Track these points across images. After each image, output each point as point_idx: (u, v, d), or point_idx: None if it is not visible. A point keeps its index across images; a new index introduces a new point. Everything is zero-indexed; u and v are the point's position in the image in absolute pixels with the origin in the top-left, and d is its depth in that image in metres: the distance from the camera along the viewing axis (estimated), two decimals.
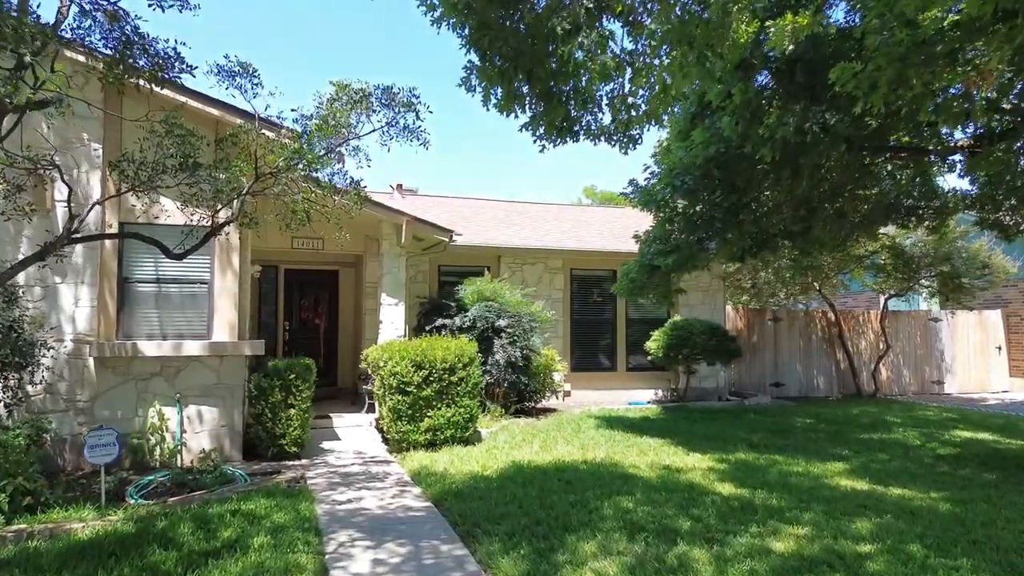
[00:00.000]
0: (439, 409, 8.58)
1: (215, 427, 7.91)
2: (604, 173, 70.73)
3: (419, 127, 6.01)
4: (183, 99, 7.59)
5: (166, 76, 4.75)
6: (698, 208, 9.21)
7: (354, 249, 12.38)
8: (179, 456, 7.67)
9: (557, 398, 12.49)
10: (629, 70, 4.89)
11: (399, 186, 16.48)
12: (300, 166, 6.18)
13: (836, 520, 5.74)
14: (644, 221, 16.13)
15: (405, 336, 10.80)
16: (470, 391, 8.80)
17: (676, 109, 11.01)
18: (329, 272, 13.76)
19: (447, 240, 10.93)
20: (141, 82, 4.99)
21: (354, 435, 9.74)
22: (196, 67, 4.78)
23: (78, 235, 5.81)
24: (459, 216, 14.76)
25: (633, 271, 9.87)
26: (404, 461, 7.99)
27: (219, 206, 6.45)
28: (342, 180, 6.82)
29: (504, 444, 8.74)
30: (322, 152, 6.25)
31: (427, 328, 10.88)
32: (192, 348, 7.74)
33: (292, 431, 7.95)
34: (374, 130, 6.16)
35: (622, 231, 15.69)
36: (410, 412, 8.46)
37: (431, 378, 8.53)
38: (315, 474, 7.38)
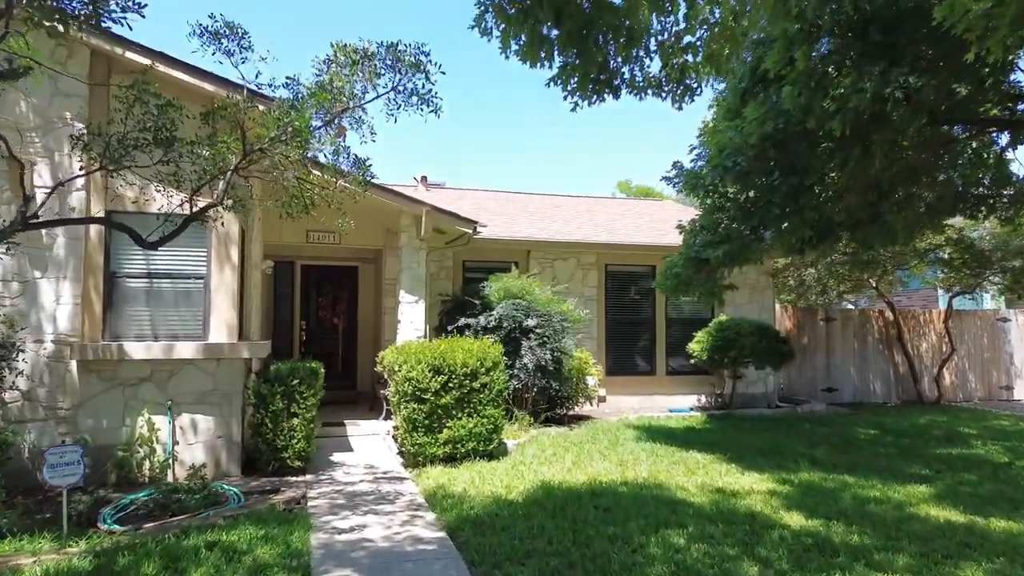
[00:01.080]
0: (459, 419, 7.68)
1: (211, 438, 7.12)
2: (639, 167, 69.32)
3: (430, 91, 5.09)
4: (168, 70, 6.82)
5: (108, 16, 3.88)
6: (752, 193, 8.14)
7: (373, 243, 11.58)
8: (170, 470, 6.89)
9: (591, 404, 11.50)
10: (683, 2, 3.90)
11: (423, 178, 15.65)
12: (294, 141, 5.30)
13: (938, 566, 4.67)
14: (686, 214, 15.05)
15: (425, 336, 9.93)
16: (494, 399, 7.87)
17: (722, 85, 10.02)
18: (348, 268, 12.98)
19: (470, 232, 10.03)
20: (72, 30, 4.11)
21: (368, 446, 8.89)
22: (145, 5, 3.90)
23: (35, 220, 5.02)
24: (486, 209, 13.86)
25: (677, 265, 8.83)
26: (419, 478, 7.09)
27: (203, 188, 5.60)
28: (346, 161, 5.93)
29: (532, 459, 7.79)
30: (319, 124, 5.37)
31: (449, 328, 9.99)
32: (185, 350, 6.96)
33: (295, 443, 7.12)
34: (378, 96, 5.25)
35: (660, 224, 14.63)
36: (427, 422, 7.56)
37: (450, 384, 7.62)
38: (318, 493, 6.52)
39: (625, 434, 9.50)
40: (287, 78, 5.09)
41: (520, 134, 70.61)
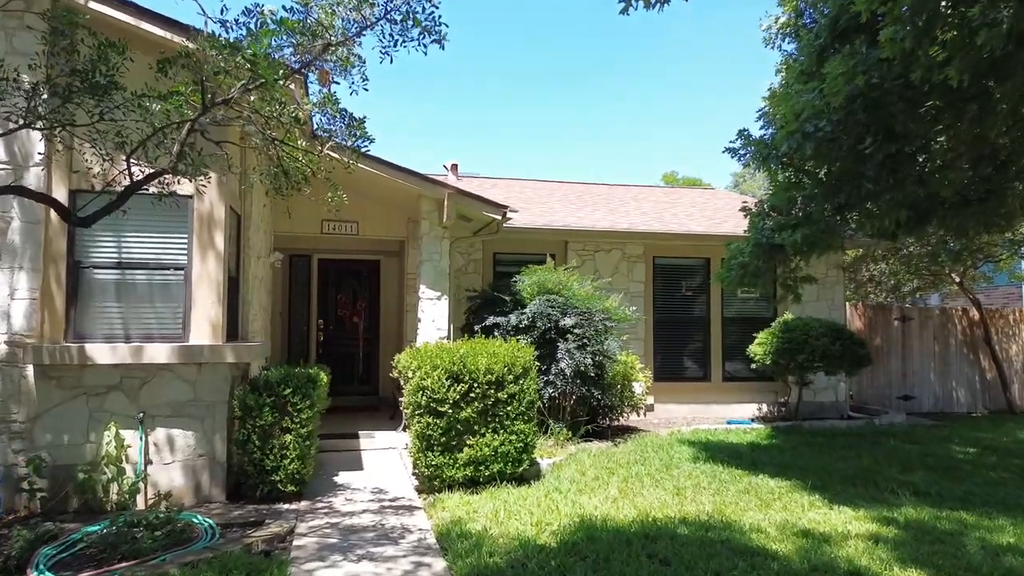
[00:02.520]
0: (483, 435, 6.46)
1: (190, 457, 6.05)
2: (686, 159, 67.15)
3: (432, 13, 3.87)
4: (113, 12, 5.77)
5: None
6: (836, 165, 6.72)
7: (396, 234, 10.47)
8: (141, 495, 5.84)
9: (637, 415, 10.15)
10: None
11: (453, 166, 14.49)
12: (256, 85, 4.15)
13: None
14: (739, 203, 13.49)
15: (449, 337, 8.74)
16: (524, 411, 6.63)
17: (792, 46, 8.60)
18: (368, 262, 11.89)
19: (499, 218, 8.80)
20: None
21: (381, 463, 7.74)
22: None
23: None
24: (520, 198, 12.62)
25: (744, 253, 7.42)
26: (433, 508, 5.90)
27: (161, 153, 4.50)
28: (337, 120, 4.75)
29: (570, 484, 6.52)
30: (292, 65, 4.20)
31: (477, 328, 8.78)
32: (158, 353, 5.89)
33: (288, 464, 5.99)
34: (366, 26, 4.05)
35: (714, 214, 13.18)
36: (444, 439, 6.36)
37: (472, 394, 6.41)
38: (309, 527, 5.37)
39: (679, 452, 8.14)
40: (246, 8, 3.92)
41: (555, 131, 69.24)
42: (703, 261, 11.82)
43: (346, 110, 4.58)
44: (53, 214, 5.91)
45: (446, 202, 8.37)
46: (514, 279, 9.49)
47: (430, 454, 6.35)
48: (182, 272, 6.23)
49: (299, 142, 5.06)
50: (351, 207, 10.55)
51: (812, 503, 6.04)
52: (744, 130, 7.30)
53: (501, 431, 6.51)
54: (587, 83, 69.43)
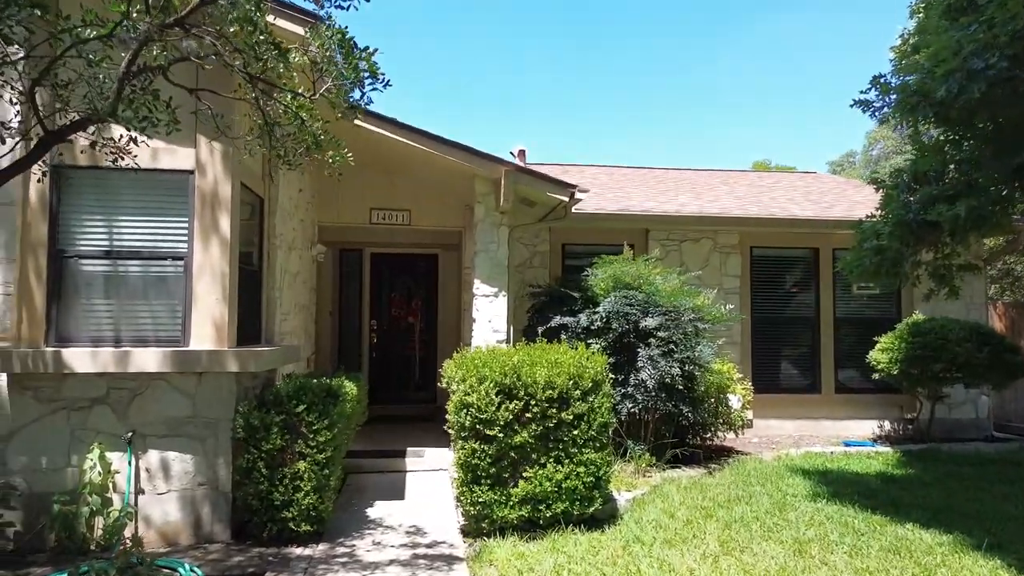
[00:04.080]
0: (542, 466, 5.13)
1: (189, 486, 5.00)
2: (778, 146, 63.41)
3: None
4: None
5: None
6: (1014, 113, 5.00)
7: (452, 224, 9.30)
8: (132, 530, 4.85)
9: (734, 433, 8.53)
10: None
11: (521, 152, 13.21)
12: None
13: None
14: (852, 188, 11.45)
15: (508, 340, 7.46)
16: (595, 437, 5.24)
17: None
18: (425, 256, 10.76)
19: (566, 200, 7.43)
20: None
21: (427, 490, 6.54)
22: None
23: None
24: (595, 183, 11.19)
25: (882, 233, 5.73)
26: (478, 562, 4.61)
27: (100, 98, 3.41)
28: (334, 48, 3.54)
29: (655, 531, 5.09)
30: None
31: (539, 330, 7.45)
32: (146, 361, 4.87)
33: (302, 498, 4.84)
34: None
35: (820, 197, 11.33)
36: (494, 471, 5.07)
37: (528, 414, 5.08)
38: None
39: (792, 485, 6.54)
40: None
41: (640, 116, 66.89)
42: (810, 252, 10.05)
43: (345, 33, 3.33)
44: (33, 193, 5.00)
45: (503, 182, 7.08)
46: (584, 273, 8.10)
47: (477, 489, 5.06)
48: (181, 263, 5.20)
49: (294, 81, 3.87)
50: (402, 194, 9.53)
51: (996, 574, 4.37)
52: (880, 76, 5.64)
53: (566, 461, 5.15)
54: (660, 71, 66.88)
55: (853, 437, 9.62)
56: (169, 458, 5.00)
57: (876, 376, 9.17)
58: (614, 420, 5.65)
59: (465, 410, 5.09)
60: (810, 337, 10.04)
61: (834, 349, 9.98)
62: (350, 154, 4.39)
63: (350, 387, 5.59)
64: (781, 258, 10.13)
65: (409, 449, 7.70)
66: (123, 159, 3.90)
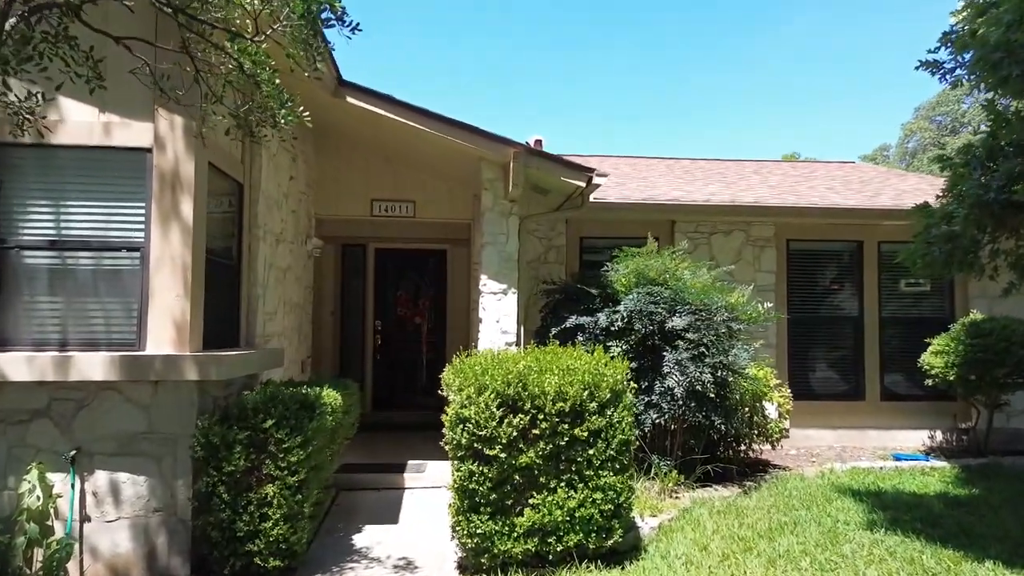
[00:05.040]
0: (552, 491, 4.37)
1: (142, 512, 4.33)
2: (807, 140, 61.89)
3: None
4: None
5: None
6: None
7: (461, 215, 8.56)
8: (77, 563, 4.19)
9: (770, 444, 7.68)
10: None
11: (537, 141, 12.39)
12: None
13: None
14: (894, 178, 10.44)
15: (518, 343, 6.73)
16: (615, 456, 4.47)
17: None
18: (433, 252, 10.06)
19: (583, 186, 6.66)
20: None
21: (426, 509, 5.82)
22: None
23: None
24: (616, 173, 10.39)
25: (955, 217, 4.85)
26: None
27: None
28: None
29: (686, 569, 4.30)
30: None
31: (554, 331, 6.69)
32: (90, 367, 4.21)
33: (270, 528, 4.14)
34: None
35: (861, 187, 10.42)
36: (495, 497, 4.32)
37: (536, 430, 4.33)
38: None
39: (842, 509, 5.70)
40: None
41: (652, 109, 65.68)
42: (853, 245, 9.15)
43: None
44: None
45: (512, 165, 6.33)
46: (604, 268, 7.32)
47: (475, 518, 4.32)
48: (138, 254, 4.53)
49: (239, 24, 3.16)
50: (405, 184, 8.79)
51: None
52: (951, 31, 4.78)
53: (580, 485, 4.39)
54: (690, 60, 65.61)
55: (902, 449, 8.72)
56: (120, 480, 4.33)
57: (930, 382, 8.25)
58: (636, 435, 4.86)
59: (461, 425, 4.35)
60: (853, 338, 9.14)
61: (880, 352, 9.06)
62: (307, 113, 3.68)
63: (332, 397, 4.87)
64: (821, 252, 9.24)
65: (410, 462, 7.00)
66: (29, 124, 3.20)
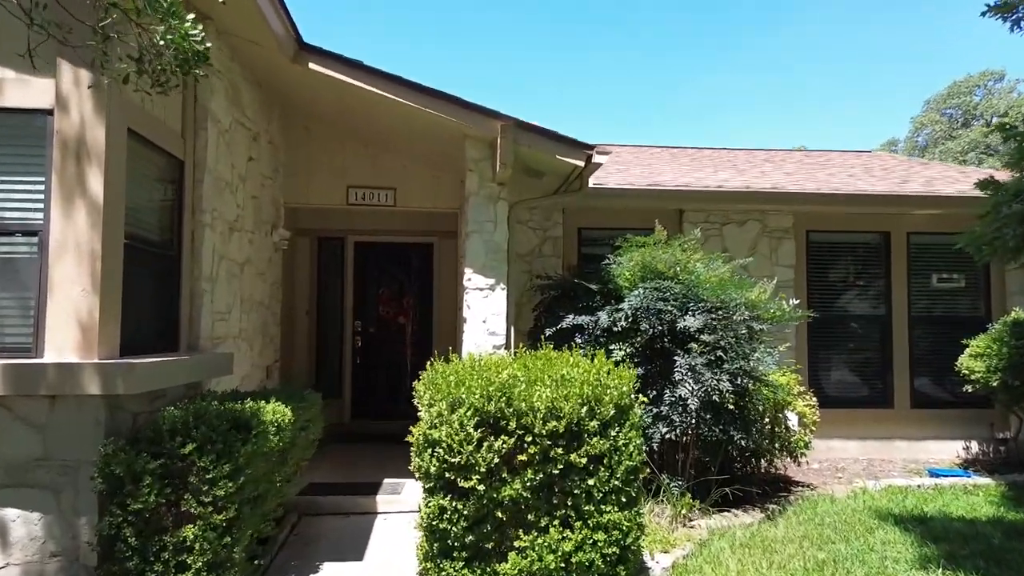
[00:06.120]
0: (544, 531, 3.53)
1: (36, 557, 3.49)
2: (810, 137, 61.16)
3: None
4: None
5: None
6: None
7: (447, 204, 7.73)
8: None
9: (791, 458, 6.83)
10: None
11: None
12: None
13: None
14: (918, 168, 9.55)
15: (508, 346, 5.90)
16: (620, 488, 3.62)
17: None
18: (419, 246, 9.22)
19: (582, 165, 5.82)
20: None
21: (398, 543, 4.98)
22: None
23: None
24: (618, 161, 9.57)
25: None
26: None
27: None
28: None
29: None
30: None
31: (548, 332, 5.86)
32: None
33: None
34: None
35: (884, 174, 9.57)
36: (471, 538, 3.48)
37: (523, 456, 3.49)
38: None
39: (886, 540, 4.85)
40: None
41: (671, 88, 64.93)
42: (879, 236, 8.32)
43: None
44: None
45: (499, 141, 5.49)
46: (605, 261, 6.49)
47: (447, 565, 3.48)
48: (36, 239, 3.70)
49: None
50: (385, 169, 7.90)
51: None
52: None
53: (578, 524, 3.55)
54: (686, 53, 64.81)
55: (935, 462, 7.88)
56: (8, 518, 3.49)
57: (969, 388, 7.42)
58: (644, 456, 4.01)
59: (431, 450, 3.51)
60: (879, 339, 8.30)
61: (909, 354, 8.22)
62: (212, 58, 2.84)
63: (280, 412, 4.03)
64: (844, 244, 8.41)
65: (385, 481, 6.17)
66: None
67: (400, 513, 5.64)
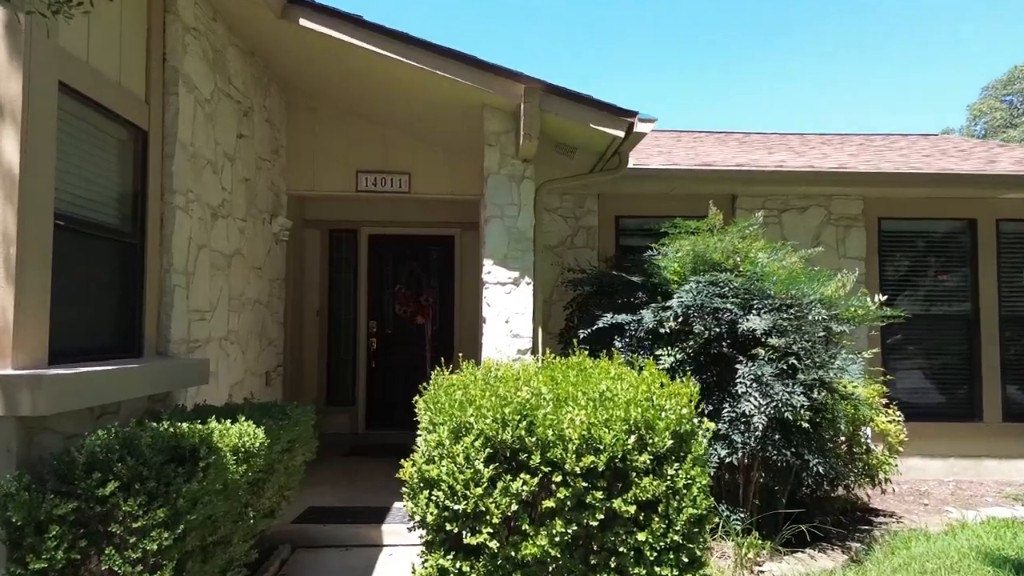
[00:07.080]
0: None
1: None
2: (863, 125, 59.03)
3: None
4: None
5: None
6: None
7: (466, 191, 6.89)
8: None
9: (871, 482, 5.79)
10: None
11: None
12: None
13: None
14: (997, 149, 8.40)
15: (535, 350, 5.03)
16: (681, 544, 2.71)
17: None
18: (440, 239, 8.39)
19: (622, 136, 4.90)
20: None
21: None
22: None
23: None
24: (659, 145, 8.62)
25: None
26: None
27: None
28: None
29: None
30: None
31: (582, 334, 4.97)
32: None
33: None
34: None
35: (962, 157, 8.42)
36: None
37: (551, 501, 2.61)
38: None
39: None
40: None
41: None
42: (963, 224, 7.24)
43: None
44: None
45: (523, 108, 4.62)
46: (649, 252, 5.57)
47: None
48: None
49: None
50: (397, 151, 7.03)
51: None
52: None
53: None
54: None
55: None
56: None
57: None
58: (712, 501, 3.10)
59: (428, 491, 2.66)
60: (965, 342, 7.21)
61: (1000, 360, 7.12)
62: None
63: (247, 435, 3.21)
64: (921, 234, 7.34)
65: (395, 506, 5.34)
66: None
67: (407, 547, 4.79)
